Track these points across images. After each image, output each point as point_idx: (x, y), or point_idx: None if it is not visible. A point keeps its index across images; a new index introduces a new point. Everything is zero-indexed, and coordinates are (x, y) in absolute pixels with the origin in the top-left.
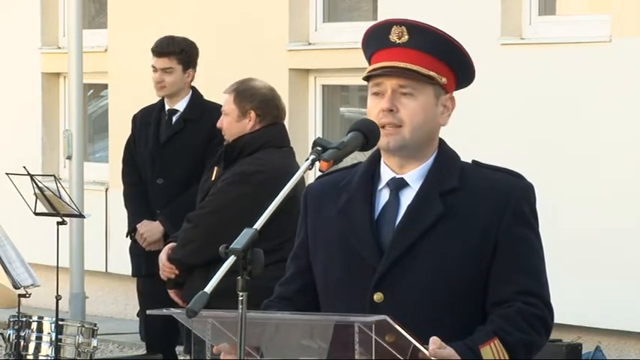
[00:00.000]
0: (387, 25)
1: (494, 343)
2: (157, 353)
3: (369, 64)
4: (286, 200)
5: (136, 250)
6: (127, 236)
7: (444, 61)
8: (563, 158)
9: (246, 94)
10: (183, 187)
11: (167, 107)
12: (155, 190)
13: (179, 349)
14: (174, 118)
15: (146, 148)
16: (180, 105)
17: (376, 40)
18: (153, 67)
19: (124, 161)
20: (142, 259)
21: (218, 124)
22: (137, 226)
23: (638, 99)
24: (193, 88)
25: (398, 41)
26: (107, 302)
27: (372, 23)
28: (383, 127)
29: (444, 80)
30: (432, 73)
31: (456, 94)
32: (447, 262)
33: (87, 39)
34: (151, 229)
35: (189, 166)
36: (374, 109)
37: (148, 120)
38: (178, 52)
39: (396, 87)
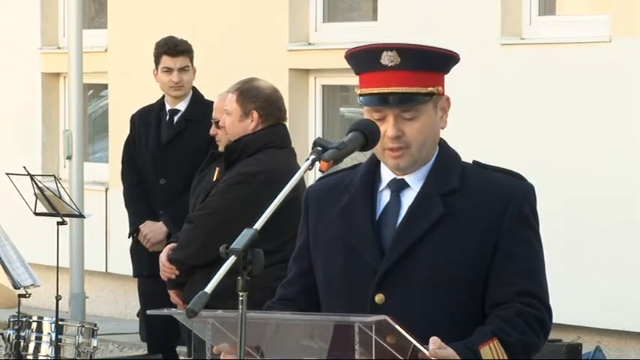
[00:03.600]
0: (377, 50)
1: (493, 344)
2: (157, 353)
3: (357, 75)
4: (287, 201)
5: (137, 251)
6: (129, 237)
7: (438, 71)
8: (563, 158)
9: (250, 94)
10: (186, 187)
11: (168, 107)
12: (157, 190)
13: (180, 349)
14: (175, 118)
15: (147, 148)
16: (182, 105)
17: (366, 62)
18: (166, 68)
19: (124, 162)
20: (144, 260)
21: (212, 132)
22: (140, 226)
23: (638, 99)
24: (194, 88)
25: (390, 64)
26: (107, 302)
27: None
28: (389, 150)
29: (440, 89)
30: (429, 89)
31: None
32: (448, 263)
33: (87, 39)
34: (154, 230)
35: (192, 166)
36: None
37: (148, 120)
38: (190, 50)
39: (397, 112)
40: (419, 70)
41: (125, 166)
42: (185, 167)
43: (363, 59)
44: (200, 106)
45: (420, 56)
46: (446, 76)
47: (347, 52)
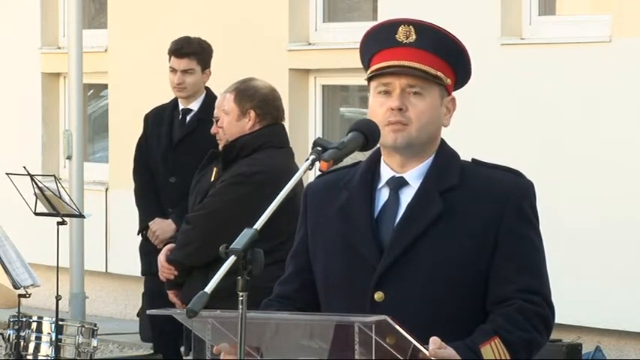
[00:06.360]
0: (394, 25)
1: (494, 342)
2: (160, 353)
3: (369, 64)
4: (286, 200)
5: (146, 249)
6: (138, 234)
7: (448, 62)
8: (562, 158)
9: (247, 93)
10: None
11: (181, 106)
12: (168, 188)
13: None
14: (188, 118)
15: (158, 146)
16: (195, 105)
17: (381, 40)
18: (171, 68)
19: (136, 160)
20: (153, 258)
21: (213, 130)
22: (149, 223)
23: (638, 99)
24: (207, 88)
25: (405, 40)
26: (107, 302)
27: (372, 23)
28: (391, 124)
29: (448, 81)
30: (439, 74)
31: (455, 93)
32: (447, 260)
33: (87, 39)
34: (163, 227)
35: None
36: (380, 108)
37: (161, 119)
38: (198, 52)
39: (405, 86)
40: (432, 53)
41: (136, 164)
42: (196, 166)
43: (379, 36)
44: (213, 106)
45: (434, 36)
46: None
47: (364, 34)
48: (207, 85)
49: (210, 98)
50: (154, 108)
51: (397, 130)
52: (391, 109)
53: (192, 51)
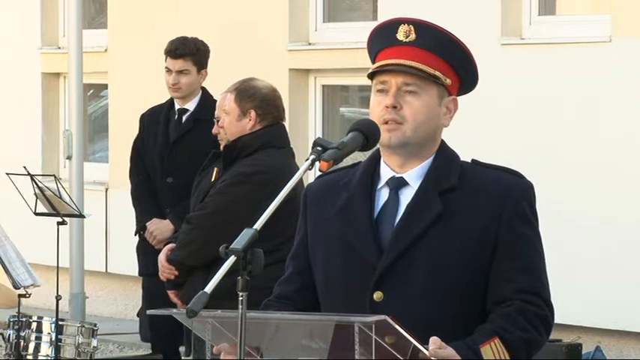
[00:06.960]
0: (395, 24)
1: (494, 342)
2: (160, 353)
3: (373, 62)
4: (286, 201)
5: (144, 249)
6: (135, 234)
7: (449, 63)
8: (562, 158)
9: (247, 93)
10: None
11: (177, 106)
12: (165, 188)
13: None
14: (184, 118)
15: (155, 146)
16: (191, 105)
17: (382, 39)
18: (167, 68)
19: (132, 160)
20: (150, 258)
21: (214, 131)
22: (147, 224)
23: (638, 99)
24: (203, 88)
25: (405, 40)
26: (107, 302)
27: (372, 23)
28: (386, 123)
29: (448, 81)
30: (437, 73)
31: None
32: (447, 260)
33: (87, 39)
34: (160, 227)
35: (199, 165)
36: (377, 106)
37: (157, 119)
38: (194, 53)
39: (401, 84)
40: (432, 52)
41: (133, 164)
42: (193, 166)
43: (382, 35)
44: (209, 106)
45: (434, 35)
46: None
47: (370, 33)
48: (207, 84)
49: (206, 98)
50: (150, 108)
51: (391, 129)
52: (386, 107)
53: (188, 52)
